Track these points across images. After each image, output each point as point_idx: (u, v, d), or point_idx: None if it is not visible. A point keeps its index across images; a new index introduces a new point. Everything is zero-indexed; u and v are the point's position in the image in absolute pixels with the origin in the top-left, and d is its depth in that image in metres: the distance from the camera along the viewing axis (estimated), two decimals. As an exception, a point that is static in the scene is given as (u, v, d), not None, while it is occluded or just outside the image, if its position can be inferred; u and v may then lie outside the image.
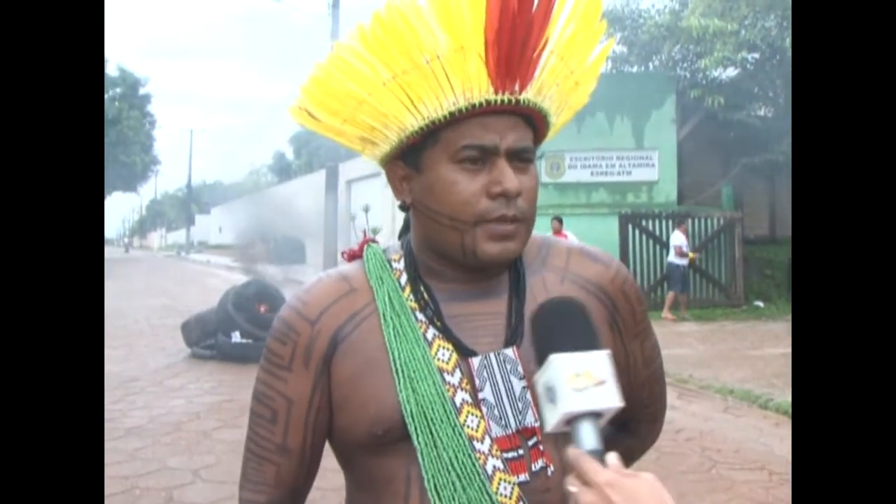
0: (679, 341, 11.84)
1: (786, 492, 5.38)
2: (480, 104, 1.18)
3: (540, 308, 1.16)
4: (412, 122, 1.20)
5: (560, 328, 1.11)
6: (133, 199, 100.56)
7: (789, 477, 5.55)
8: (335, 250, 20.90)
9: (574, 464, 1.02)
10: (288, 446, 1.26)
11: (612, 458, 1.02)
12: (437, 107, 1.18)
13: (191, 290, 23.83)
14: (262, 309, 11.14)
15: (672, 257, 15.12)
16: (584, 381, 1.03)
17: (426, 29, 1.16)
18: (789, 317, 14.87)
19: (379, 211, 26.29)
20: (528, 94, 1.21)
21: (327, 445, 1.32)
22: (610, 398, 1.04)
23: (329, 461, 1.33)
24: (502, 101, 1.18)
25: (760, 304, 16.55)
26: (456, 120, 1.18)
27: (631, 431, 1.46)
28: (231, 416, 7.60)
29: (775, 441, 6.71)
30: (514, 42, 1.16)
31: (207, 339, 11.05)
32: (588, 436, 1.03)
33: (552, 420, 1.04)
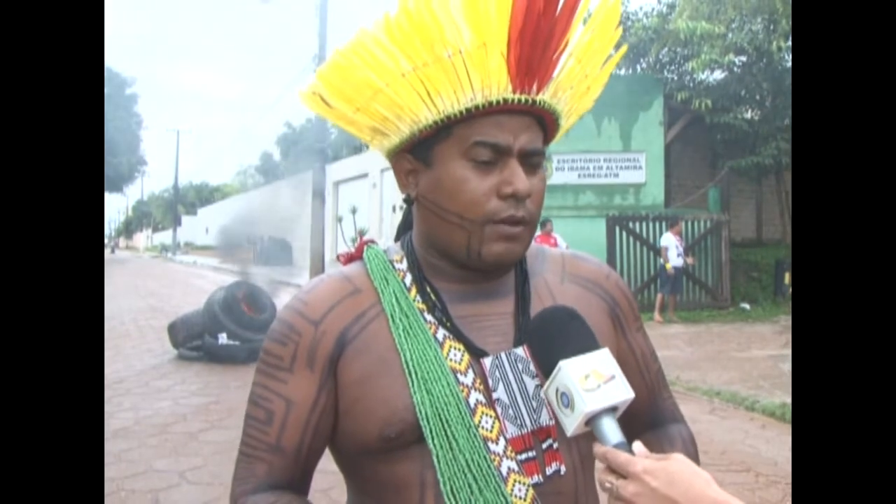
0: (666, 343, 11.87)
1: (773, 493, 5.41)
2: (498, 102, 1.17)
3: (534, 320, 1.19)
4: (427, 116, 1.19)
5: (558, 335, 1.14)
6: (119, 200, 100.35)
7: (776, 478, 5.61)
8: (322, 252, 20.88)
9: (605, 459, 1.05)
10: (282, 446, 1.23)
11: (639, 446, 1.06)
12: (453, 102, 1.17)
13: (177, 291, 23.76)
14: (249, 310, 11.12)
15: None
16: (594, 381, 1.07)
17: (451, 23, 1.16)
18: (775, 319, 14.97)
19: (366, 212, 26.31)
20: (545, 96, 1.22)
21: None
22: (622, 391, 1.08)
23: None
24: (519, 100, 1.19)
25: (747, 306, 16.61)
26: (471, 116, 1.18)
27: (677, 419, 1.46)
28: (218, 417, 7.58)
29: (761, 443, 6.73)
30: (536, 42, 1.16)
31: (194, 340, 11.01)
32: (611, 430, 1.07)
33: (573, 424, 1.08)
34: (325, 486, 4.65)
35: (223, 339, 10.74)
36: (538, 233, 14.01)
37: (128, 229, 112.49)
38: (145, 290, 24.45)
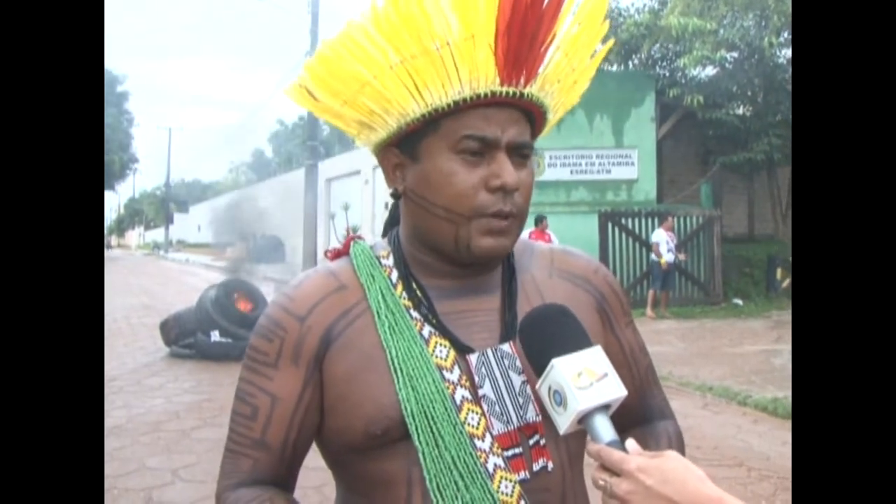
0: (659, 339, 11.88)
1: (764, 487, 5.42)
2: (485, 95, 1.17)
3: (526, 318, 1.18)
4: (414, 109, 1.18)
5: (550, 333, 1.14)
6: (111, 198, 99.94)
7: (768, 473, 5.63)
8: (315, 248, 20.85)
9: (599, 457, 1.05)
10: (266, 442, 1.23)
11: (632, 443, 1.06)
12: (441, 94, 1.17)
13: (170, 288, 23.70)
14: (242, 307, 11.10)
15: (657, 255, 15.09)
16: (587, 379, 1.07)
17: (439, 14, 1.15)
18: (767, 314, 15.00)
19: (358, 209, 26.29)
20: (532, 89, 1.21)
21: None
22: (615, 389, 1.08)
23: (309, 458, 1.32)
24: (507, 93, 1.18)
25: (739, 301, 16.64)
26: (458, 109, 1.17)
27: (665, 416, 1.45)
28: (210, 415, 7.57)
29: (753, 437, 6.75)
30: (523, 34, 1.16)
31: (186, 337, 10.97)
32: (604, 428, 1.07)
33: (565, 422, 1.08)
34: (318, 483, 4.64)
35: (215, 336, 10.72)
36: (533, 229, 13.96)
37: (120, 227, 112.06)
38: (138, 288, 24.37)
